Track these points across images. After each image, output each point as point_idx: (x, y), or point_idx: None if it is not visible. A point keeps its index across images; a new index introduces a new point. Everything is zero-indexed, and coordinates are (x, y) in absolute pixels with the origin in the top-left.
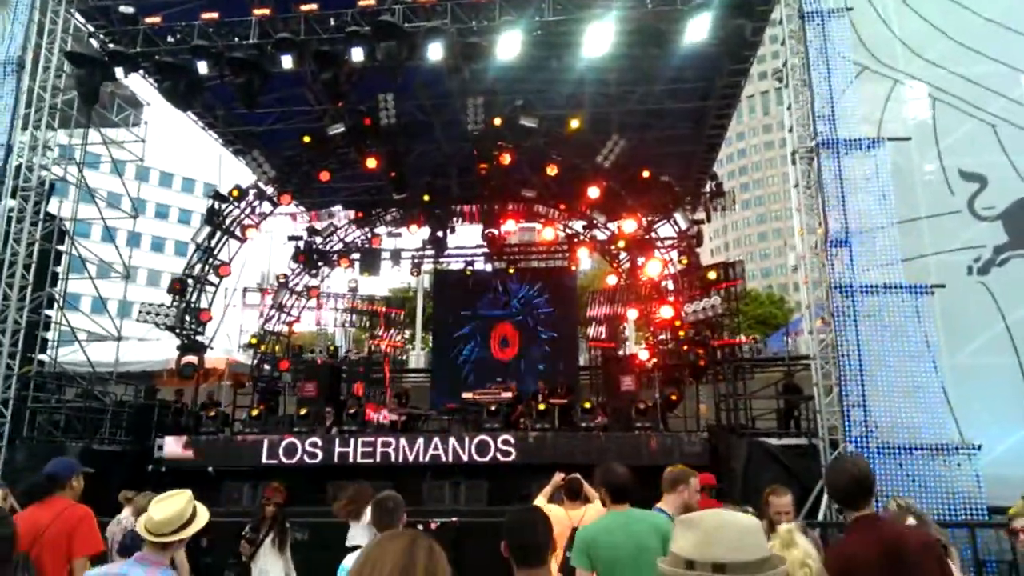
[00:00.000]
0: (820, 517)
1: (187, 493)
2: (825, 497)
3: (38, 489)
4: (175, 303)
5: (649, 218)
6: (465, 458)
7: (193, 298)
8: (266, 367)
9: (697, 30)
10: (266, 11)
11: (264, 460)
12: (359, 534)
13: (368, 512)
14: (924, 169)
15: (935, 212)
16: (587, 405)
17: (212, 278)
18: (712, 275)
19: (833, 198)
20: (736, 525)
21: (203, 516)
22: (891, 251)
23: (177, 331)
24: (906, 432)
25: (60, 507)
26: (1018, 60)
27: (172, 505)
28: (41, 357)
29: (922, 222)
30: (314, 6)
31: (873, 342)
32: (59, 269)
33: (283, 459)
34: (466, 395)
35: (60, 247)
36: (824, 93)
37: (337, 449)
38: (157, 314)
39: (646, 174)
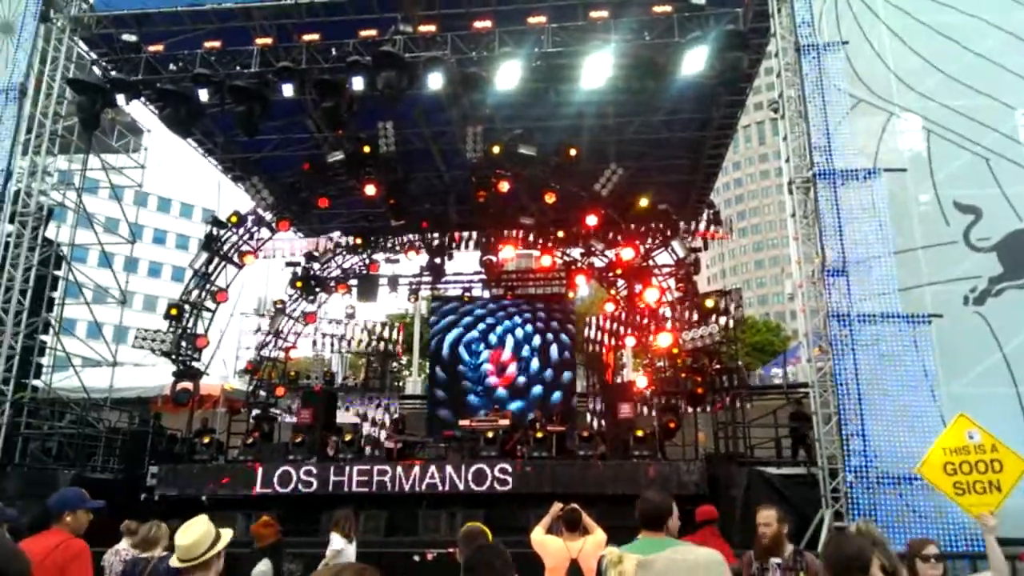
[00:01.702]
0: (820, 548)
1: (203, 517)
2: (825, 527)
3: (36, 519)
4: (171, 329)
5: (647, 246)
6: (461, 487)
7: (189, 324)
8: (262, 393)
9: (694, 62)
10: (268, 40)
11: (258, 489)
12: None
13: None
14: (920, 200)
15: (931, 243)
16: (585, 434)
17: (209, 304)
18: (710, 303)
19: (830, 228)
20: (686, 563)
21: (227, 533)
22: (888, 281)
23: (173, 357)
24: (905, 462)
25: (56, 541)
26: (1007, 95)
27: (196, 529)
28: (35, 383)
29: (918, 252)
30: (316, 36)
31: (871, 371)
32: (55, 294)
33: (277, 488)
34: (463, 422)
35: (57, 272)
36: (820, 124)
37: (332, 478)
38: (153, 340)
39: (644, 202)
